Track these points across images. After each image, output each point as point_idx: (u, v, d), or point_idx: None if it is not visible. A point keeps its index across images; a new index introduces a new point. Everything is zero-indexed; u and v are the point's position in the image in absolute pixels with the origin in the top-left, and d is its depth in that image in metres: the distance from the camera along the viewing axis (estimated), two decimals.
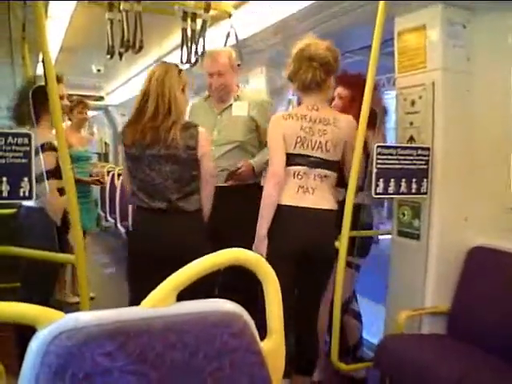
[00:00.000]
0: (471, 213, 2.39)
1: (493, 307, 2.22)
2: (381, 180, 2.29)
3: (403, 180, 2.33)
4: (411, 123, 2.46)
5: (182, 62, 3.09)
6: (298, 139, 2.15)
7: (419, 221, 2.44)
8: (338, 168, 2.24)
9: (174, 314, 0.88)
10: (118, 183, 5.83)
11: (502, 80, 2.27)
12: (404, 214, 2.52)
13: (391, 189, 2.32)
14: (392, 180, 2.31)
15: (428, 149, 2.35)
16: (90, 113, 5.70)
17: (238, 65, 2.92)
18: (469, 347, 2.19)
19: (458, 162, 2.38)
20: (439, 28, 2.30)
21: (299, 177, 2.15)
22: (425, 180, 2.36)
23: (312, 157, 2.15)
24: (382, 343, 2.29)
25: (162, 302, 0.89)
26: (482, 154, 2.37)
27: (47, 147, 2.34)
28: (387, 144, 2.36)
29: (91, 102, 5.04)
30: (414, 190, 2.36)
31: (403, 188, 2.34)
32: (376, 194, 2.29)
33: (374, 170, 2.27)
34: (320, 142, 2.14)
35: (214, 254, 0.95)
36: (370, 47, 2.29)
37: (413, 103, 2.45)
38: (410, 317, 2.30)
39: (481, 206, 2.38)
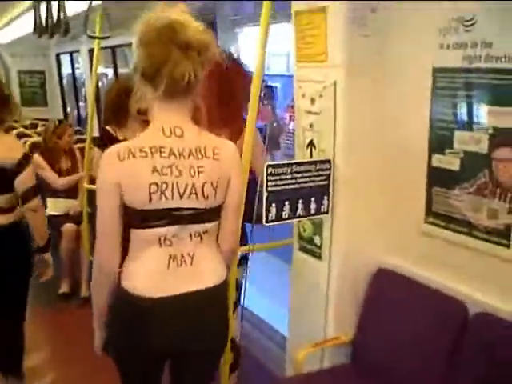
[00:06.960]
0: (378, 233, 2.09)
1: (395, 335, 2.00)
2: (273, 205, 1.92)
3: (300, 201, 1.97)
4: (311, 125, 2.06)
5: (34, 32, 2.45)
6: (153, 188, 1.37)
7: (320, 238, 2.12)
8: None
9: None
10: None
11: (416, 78, 1.89)
12: (305, 229, 2.18)
13: (285, 213, 1.95)
14: (286, 203, 1.94)
15: (329, 161, 1.98)
16: None
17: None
18: (373, 379, 1.99)
19: (364, 175, 2.02)
20: (342, 15, 1.84)
21: (167, 242, 1.43)
22: (325, 197, 2.01)
23: (183, 209, 1.41)
24: None
25: None
26: (393, 168, 2.02)
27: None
28: (279, 162, 1.94)
29: None
30: (313, 211, 2.01)
31: (300, 210, 1.98)
32: (267, 221, 1.92)
33: (265, 194, 1.88)
34: (193, 186, 1.41)
35: None
36: None
37: (313, 101, 2.03)
38: (311, 352, 2.05)
39: (390, 225, 2.07)
